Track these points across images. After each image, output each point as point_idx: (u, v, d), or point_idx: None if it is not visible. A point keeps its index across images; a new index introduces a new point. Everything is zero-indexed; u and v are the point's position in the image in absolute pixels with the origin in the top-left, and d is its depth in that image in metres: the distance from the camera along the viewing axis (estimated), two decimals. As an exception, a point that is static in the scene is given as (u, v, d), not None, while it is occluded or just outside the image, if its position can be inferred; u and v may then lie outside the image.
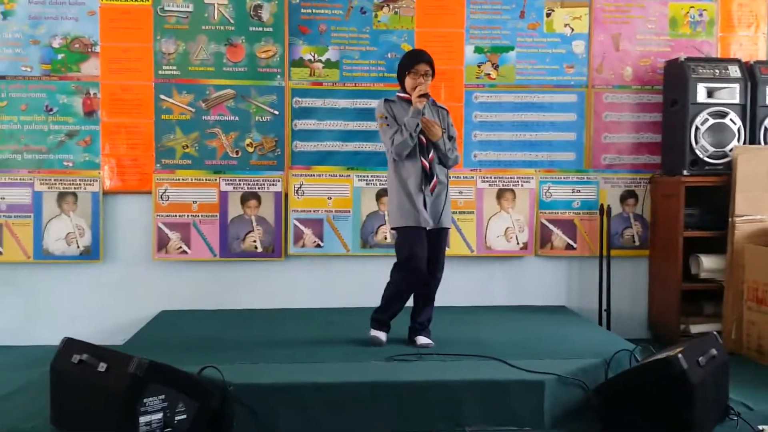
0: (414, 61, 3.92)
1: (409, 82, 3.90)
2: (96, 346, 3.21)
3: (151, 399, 2.99)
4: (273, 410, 3.21)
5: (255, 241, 4.90)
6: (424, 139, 3.88)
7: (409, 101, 3.88)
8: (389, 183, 3.99)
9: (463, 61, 5.03)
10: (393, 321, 4.01)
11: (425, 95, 3.82)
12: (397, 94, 4.00)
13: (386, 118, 3.90)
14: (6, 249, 4.78)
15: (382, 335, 3.94)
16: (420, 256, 3.84)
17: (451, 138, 4.01)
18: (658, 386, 3.03)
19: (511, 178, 5.06)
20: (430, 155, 3.89)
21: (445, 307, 4.89)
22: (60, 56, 4.81)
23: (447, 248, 4.06)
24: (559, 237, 5.09)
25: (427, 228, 3.87)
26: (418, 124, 3.81)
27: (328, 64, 4.95)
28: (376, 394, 3.25)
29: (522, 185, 5.06)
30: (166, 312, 4.81)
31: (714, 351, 3.26)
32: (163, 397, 3.02)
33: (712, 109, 4.73)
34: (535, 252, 5.08)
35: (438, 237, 3.93)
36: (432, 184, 3.88)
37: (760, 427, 3.16)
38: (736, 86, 4.75)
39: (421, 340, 3.94)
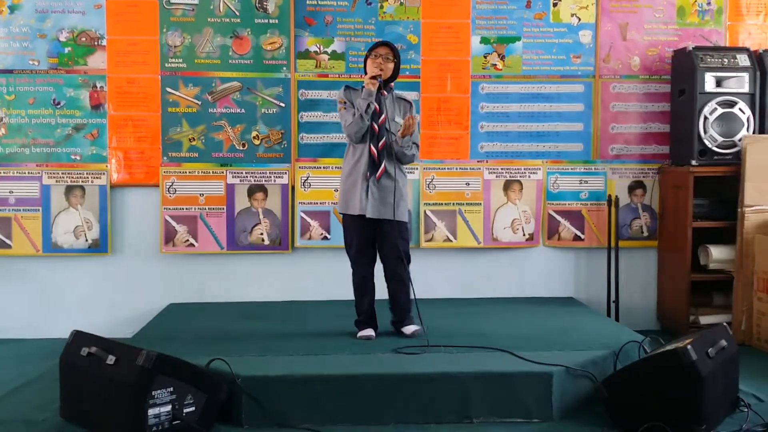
0: (375, 45, 3.96)
1: (369, 65, 3.91)
2: (105, 339, 3.23)
3: (159, 391, 3.00)
4: (281, 402, 3.22)
5: (262, 234, 4.90)
6: (376, 127, 3.86)
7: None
8: (342, 168, 4.00)
9: (469, 52, 5.01)
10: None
11: (377, 77, 3.83)
12: (364, 83, 3.92)
13: (345, 102, 3.92)
14: (15, 242, 4.79)
15: (367, 332, 3.93)
16: (358, 244, 3.88)
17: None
18: (667, 378, 3.02)
19: (518, 169, 5.04)
20: (380, 143, 3.87)
21: (452, 299, 4.92)
22: (67, 50, 4.81)
23: (406, 241, 3.97)
24: (567, 228, 5.07)
25: (367, 216, 3.84)
26: (369, 105, 3.81)
27: (334, 55, 4.94)
28: (383, 386, 3.25)
29: (529, 176, 5.04)
30: (174, 305, 4.82)
31: (723, 342, 3.24)
32: (171, 389, 3.04)
33: (721, 98, 4.69)
34: (543, 243, 5.07)
35: (386, 227, 3.87)
36: (378, 172, 3.85)
37: (769, 419, 3.15)
38: (745, 75, 4.72)
39: (408, 329, 3.92)
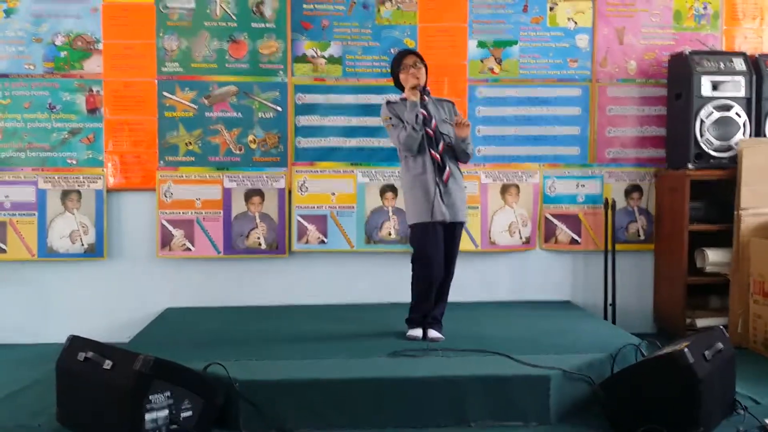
0: (400, 57, 4.05)
1: (402, 77, 4.01)
2: (101, 344, 3.22)
3: (156, 396, 2.99)
4: (279, 407, 3.22)
5: (259, 238, 4.90)
6: (431, 132, 3.92)
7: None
8: (402, 181, 4.05)
9: (466, 56, 5.01)
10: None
11: (416, 86, 3.91)
12: (399, 96, 4.07)
13: (390, 118, 3.97)
14: (10, 247, 4.78)
15: (417, 332, 3.96)
16: (434, 252, 3.88)
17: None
18: (664, 381, 3.02)
19: (515, 173, 5.04)
20: (440, 147, 3.93)
21: (450, 303, 4.89)
22: (63, 54, 4.81)
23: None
24: (564, 231, 5.08)
25: (444, 221, 3.89)
26: (417, 116, 3.86)
27: (331, 59, 4.94)
28: (380, 390, 3.25)
29: (526, 180, 5.05)
30: (171, 309, 4.82)
31: (720, 345, 3.25)
32: (168, 394, 3.03)
33: (717, 102, 4.71)
34: (539, 246, 5.07)
35: (453, 231, 3.96)
36: (445, 175, 3.91)
37: (766, 421, 3.15)
38: (741, 79, 4.73)
39: (432, 333, 3.95)
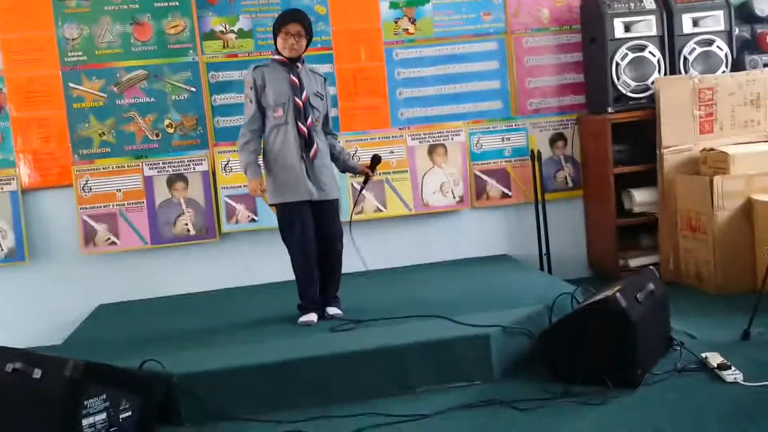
0: (286, 20, 3.71)
1: (279, 42, 3.72)
2: (29, 353, 3.13)
3: (91, 400, 2.91)
4: (220, 395, 3.15)
5: (186, 224, 4.78)
6: (300, 103, 3.71)
7: (282, 63, 3.74)
8: (264, 155, 3.81)
9: (379, 19, 4.93)
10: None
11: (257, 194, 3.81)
12: (272, 56, 3.83)
13: (251, 89, 3.75)
14: (-75, 260, 4.57)
15: (310, 317, 3.78)
16: (304, 232, 3.72)
17: (327, 112, 3.90)
18: (599, 327, 3.06)
19: (440, 132, 5.01)
20: (308, 120, 3.74)
21: (386, 269, 4.89)
22: (-43, 53, 4.57)
23: (339, 218, 3.92)
24: (494, 187, 5.08)
25: (312, 199, 3.73)
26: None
27: (241, 33, 4.80)
28: (321, 367, 3.22)
29: (452, 139, 5.02)
30: (103, 306, 4.68)
31: (651, 285, 3.31)
32: (104, 396, 2.95)
33: (631, 43, 4.74)
34: (472, 204, 5.07)
35: (326, 209, 3.79)
36: (312, 151, 3.73)
37: (703, 355, 3.22)
38: (652, 18, 4.77)
39: (331, 310, 3.84)
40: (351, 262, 4.04)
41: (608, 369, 3.02)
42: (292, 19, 3.72)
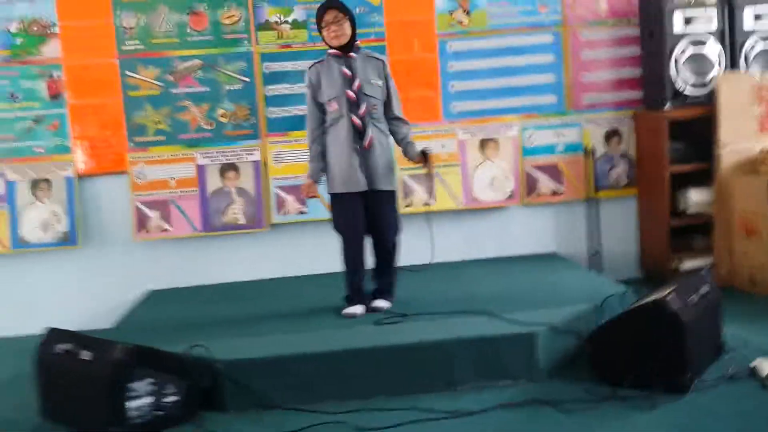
0: (320, 12, 3.73)
1: (325, 36, 3.75)
2: (80, 335, 3.20)
3: (138, 383, 2.98)
4: (265, 384, 3.19)
5: (236, 213, 4.82)
6: (352, 94, 3.72)
7: (336, 56, 3.75)
8: (326, 149, 3.84)
9: (433, 10, 4.88)
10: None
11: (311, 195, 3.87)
12: (327, 51, 3.82)
13: (308, 88, 3.80)
14: (-17, 241, 4.70)
15: (355, 309, 3.79)
16: (349, 226, 3.75)
17: (390, 97, 3.85)
18: (650, 329, 2.99)
19: (492, 126, 4.95)
20: (361, 110, 3.72)
21: (434, 265, 4.82)
22: (19, 41, 4.66)
23: (397, 210, 3.93)
24: (545, 183, 5.01)
25: (358, 191, 3.73)
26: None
27: (295, 24, 4.81)
28: (367, 360, 3.23)
29: (504, 133, 4.96)
30: (153, 291, 4.75)
31: (705, 288, 3.22)
32: (151, 380, 3.02)
33: (691, 38, 4.62)
34: (522, 200, 5.00)
35: (378, 199, 3.78)
36: (367, 140, 3.73)
37: (752, 365, 3.12)
38: (714, 12, 4.63)
39: (375, 303, 3.83)
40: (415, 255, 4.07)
41: (657, 373, 2.95)
42: (324, 9, 3.72)
